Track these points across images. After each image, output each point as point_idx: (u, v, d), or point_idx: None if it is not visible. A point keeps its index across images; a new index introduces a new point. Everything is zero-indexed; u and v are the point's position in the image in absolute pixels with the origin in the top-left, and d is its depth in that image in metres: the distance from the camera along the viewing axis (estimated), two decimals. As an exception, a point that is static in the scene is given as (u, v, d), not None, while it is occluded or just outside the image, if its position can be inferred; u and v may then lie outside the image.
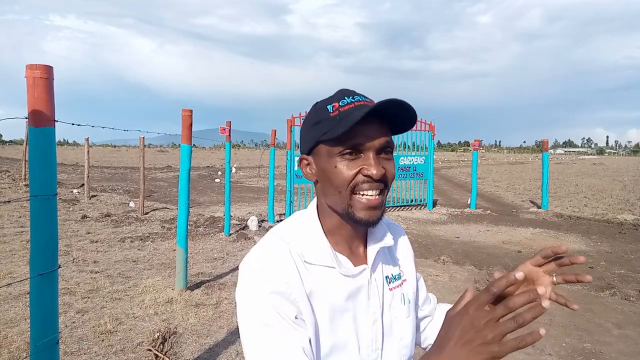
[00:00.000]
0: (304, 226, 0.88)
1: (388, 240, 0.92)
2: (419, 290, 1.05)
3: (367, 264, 0.89)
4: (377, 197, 0.81)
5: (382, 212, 0.83)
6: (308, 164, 0.88)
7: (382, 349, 0.87)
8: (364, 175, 0.79)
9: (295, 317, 0.76)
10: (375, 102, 0.80)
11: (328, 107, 0.82)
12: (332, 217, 0.87)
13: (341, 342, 0.83)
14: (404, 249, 1.01)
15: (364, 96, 0.84)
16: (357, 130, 0.78)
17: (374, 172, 0.78)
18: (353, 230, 0.88)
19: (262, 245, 0.84)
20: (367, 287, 0.87)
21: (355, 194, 0.80)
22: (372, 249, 0.90)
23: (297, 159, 9.45)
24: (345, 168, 0.80)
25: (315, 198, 0.92)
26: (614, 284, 5.30)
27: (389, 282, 0.92)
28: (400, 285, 0.94)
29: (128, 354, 3.34)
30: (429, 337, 1.08)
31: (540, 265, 0.77)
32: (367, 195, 0.80)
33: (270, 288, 0.77)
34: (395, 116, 0.81)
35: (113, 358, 3.28)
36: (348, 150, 0.79)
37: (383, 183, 0.81)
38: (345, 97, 0.82)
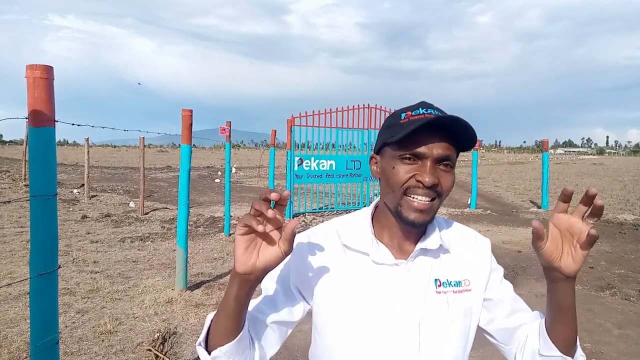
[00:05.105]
0: (357, 216, 0.99)
1: (434, 243, 0.94)
2: (492, 301, 0.99)
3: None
4: (426, 202, 0.86)
5: (430, 216, 0.89)
6: (376, 162, 0.97)
7: (419, 346, 0.90)
8: (417, 181, 0.86)
9: (296, 288, 0.94)
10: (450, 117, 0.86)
11: (402, 114, 0.90)
12: (387, 214, 0.94)
13: (364, 330, 0.89)
14: (480, 262, 1.00)
15: (440, 110, 0.89)
16: (418, 138, 0.85)
17: (426, 179, 0.85)
18: (405, 230, 0.94)
19: (317, 226, 1.00)
20: (403, 282, 0.91)
21: (407, 195, 0.87)
22: (416, 247, 0.94)
23: (297, 159, 9.46)
24: (401, 171, 0.87)
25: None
26: (614, 284, 5.30)
27: (438, 285, 0.94)
28: (455, 292, 0.94)
29: (128, 354, 3.34)
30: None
31: (565, 210, 0.79)
32: (417, 198, 0.86)
33: (294, 258, 0.94)
34: (458, 134, 0.87)
35: (113, 358, 3.28)
36: (407, 155, 0.86)
37: (436, 192, 0.87)
38: (420, 109, 0.89)
